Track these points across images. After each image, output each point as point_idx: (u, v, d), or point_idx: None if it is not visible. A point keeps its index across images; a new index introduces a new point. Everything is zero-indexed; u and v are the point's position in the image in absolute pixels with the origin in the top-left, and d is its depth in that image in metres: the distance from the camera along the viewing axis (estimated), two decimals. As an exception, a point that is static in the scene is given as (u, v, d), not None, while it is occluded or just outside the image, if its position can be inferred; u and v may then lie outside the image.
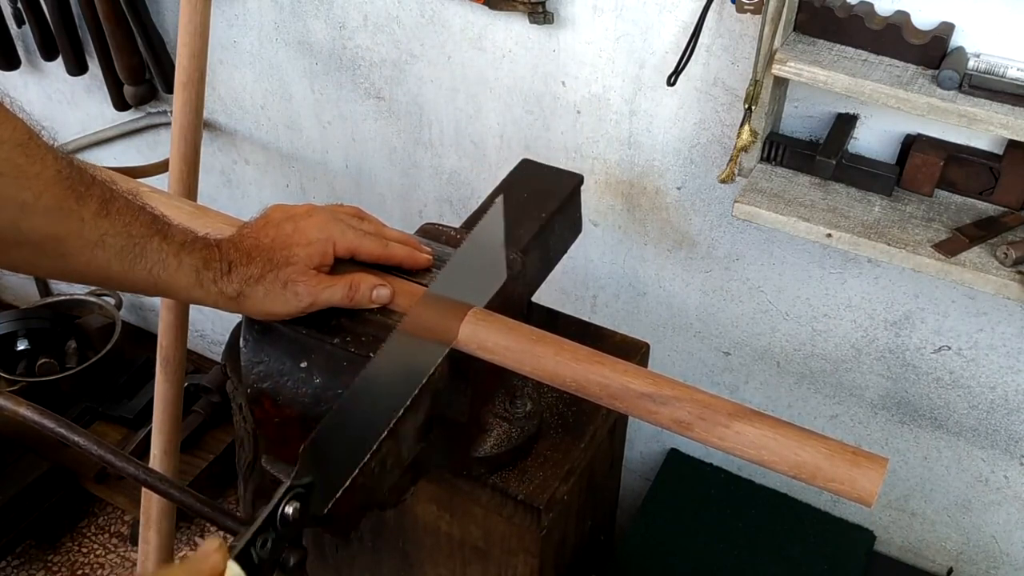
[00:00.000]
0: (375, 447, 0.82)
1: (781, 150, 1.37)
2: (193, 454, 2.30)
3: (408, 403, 0.85)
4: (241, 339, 0.99)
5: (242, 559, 0.67)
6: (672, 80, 1.38)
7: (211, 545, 0.67)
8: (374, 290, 0.93)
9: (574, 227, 1.27)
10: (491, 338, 0.87)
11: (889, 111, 1.26)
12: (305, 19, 1.74)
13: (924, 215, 1.31)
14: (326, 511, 0.76)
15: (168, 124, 1.85)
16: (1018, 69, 1.15)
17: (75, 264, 0.82)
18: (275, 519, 0.70)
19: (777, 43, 1.24)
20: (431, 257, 1.00)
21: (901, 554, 1.85)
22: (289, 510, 0.71)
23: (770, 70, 1.24)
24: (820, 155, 1.33)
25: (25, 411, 1.28)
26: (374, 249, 0.95)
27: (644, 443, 1.99)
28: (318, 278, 0.90)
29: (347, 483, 0.79)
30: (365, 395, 0.81)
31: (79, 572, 2.29)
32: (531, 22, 1.46)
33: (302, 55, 1.80)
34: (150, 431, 1.83)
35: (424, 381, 0.87)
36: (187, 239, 0.87)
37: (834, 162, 1.33)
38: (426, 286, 0.97)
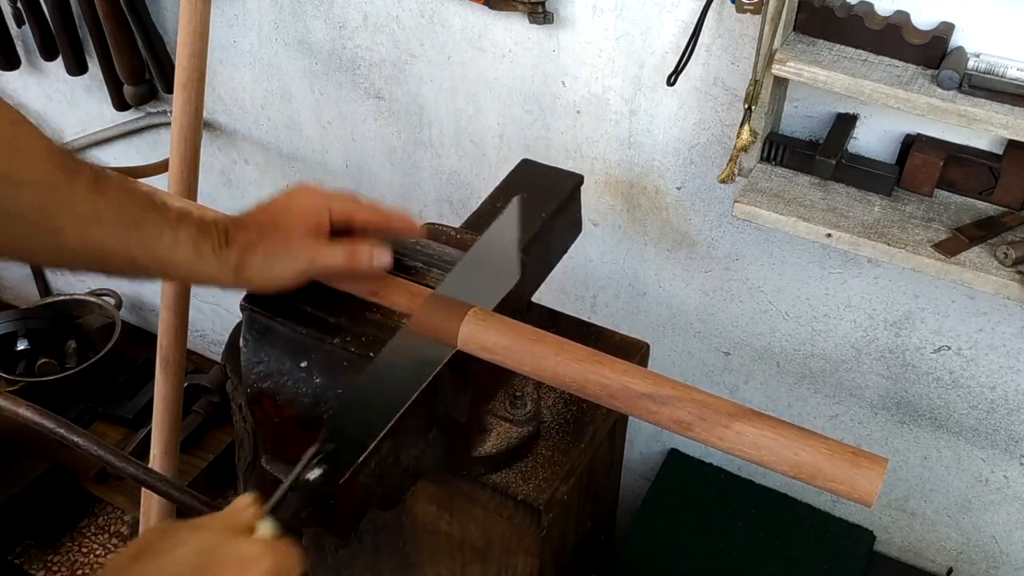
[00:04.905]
0: (386, 431, 0.84)
1: (781, 150, 1.37)
2: (193, 454, 2.30)
3: (415, 396, 0.85)
4: (241, 339, 0.99)
5: (273, 517, 0.73)
6: (672, 80, 1.38)
7: (244, 501, 0.73)
8: (374, 254, 0.92)
9: (574, 227, 1.27)
10: (491, 338, 0.87)
11: (889, 111, 1.26)
12: (305, 19, 1.74)
13: (924, 215, 1.31)
14: (341, 481, 0.80)
15: (168, 124, 1.85)
16: (1018, 69, 1.15)
17: (69, 241, 0.81)
18: (301, 482, 0.76)
19: (777, 43, 1.24)
20: (425, 229, 1.00)
21: (901, 554, 1.85)
22: (314, 474, 0.76)
23: (770, 70, 1.24)
24: (820, 155, 1.33)
25: (25, 411, 1.29)
26: (370, 214, 0.94)
27: (644, 443, 1.99)
28: (316, 242, 0.90)
29: (365, 454, 0.81)
30: (385, 373, 0.84)
31: (79, 572, 2.29)
32: (531, 22, 1.46)
33: (302, 55, 1.80)
34: (150, 431, 1.83)
35: (428, 380, 0.87)
36: (183, 213, 0.87)
37: (834, 162, 1.33)
38: (427, 286, 0.97)
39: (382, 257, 0.92)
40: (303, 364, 0.95)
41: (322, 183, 0.91)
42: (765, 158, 1.38)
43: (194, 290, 1.80)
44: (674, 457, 1.91)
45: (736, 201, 1.33)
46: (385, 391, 0.84)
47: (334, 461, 0.78)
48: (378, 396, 0.83)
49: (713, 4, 1.31)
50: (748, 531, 1.78)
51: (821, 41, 1.25)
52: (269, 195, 0.94)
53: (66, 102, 2.22)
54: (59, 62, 2.02)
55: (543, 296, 1.24)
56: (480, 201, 1.40)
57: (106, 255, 0.84)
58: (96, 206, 0.81)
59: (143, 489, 1.74)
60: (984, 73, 1.16)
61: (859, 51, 1.24)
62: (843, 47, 1.24)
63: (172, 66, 1.73)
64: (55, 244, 0.82)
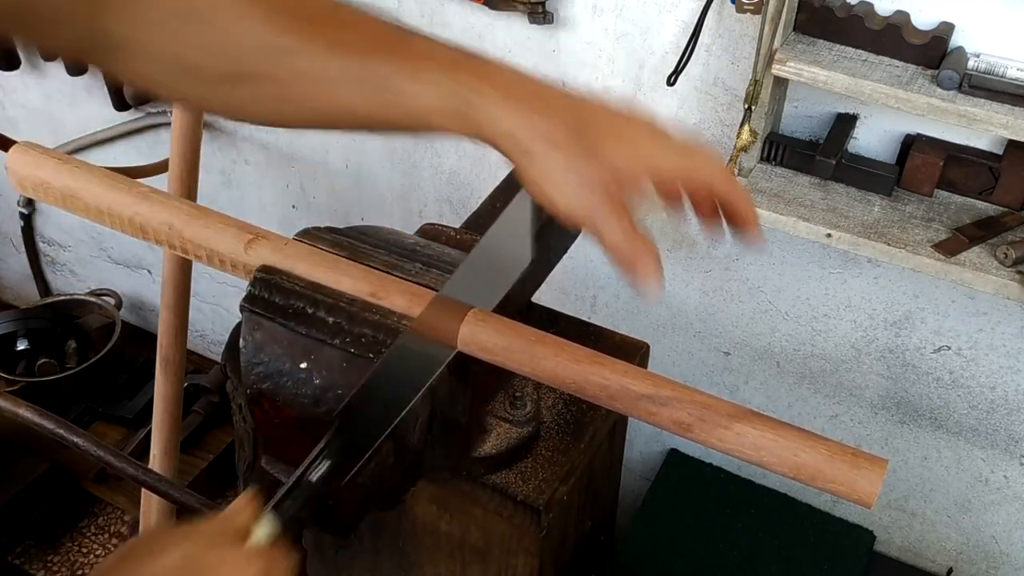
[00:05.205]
0: (389, 431, 0.82)
1: (781, 150, 1.37)
2: (193, 454, 2.30)
3: (420, 394, 0.83)
4: (241, 339, 0.99)
5: (273, 516, 0.71)
6: (672, 80, 1.38)
7: (243, 500, 0.70)
8: (650, 269, 0.68)
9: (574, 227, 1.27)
10: (491, 339, 0.87)
11: (889, 111, 1.26)
12: (305, 19, 1.74)
13: (924, 215, 1.31)
14: (344, 480, 0.78)
15: (168, 124, 1.85)
16: (1018, 69, 1.15)
17: (320, 106, 0.71)
18: (305, 481, 0.74)
19: (777, 43, 1.23)
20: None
21: (901, 554, 1.85)
22: (318, 472, 0.74)
23: (770, 70, 1.24)
24: (820, 155, 1.33)
25: (25, 411, 1.29)
26: (705, 192, 0.69)
27: (644, 443, 1.99)
28: (604, 196, 0.67)
29: (370, 451, 0.80)
30: (393, 370, 0.80)
31: (79, 572, 2.29)
32: (531, 22, 1.46)
33: (302, 55, 1.79)
34: (150, 431, 1.83)
35: (432, 379, 0.87)
36: (442, 60, 0.68)
37: (834, 162, 1.33)
38: (427, 287, 0.97)
39: (649, 269, 0.67)
40: (303, 365, 0.95)
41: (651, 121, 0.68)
42: (765, 158, 1.38)
43: (194, 290, 1.80)
44: (674, 457, 1.91)
45: (736, 201, 1.33)
46: (391, 389, 0.81)
47: (339, 458, 0.76)
48: (384, 394, 0.81)
49: (713, 4, 1.31)
50: (748, 531, 1.78)
51: (821, 41, 1.25)
52: (589, 93, 0.70)
53: (66, 102, 2.22)
54: (59, 62, 2.02)
55: (543, 296, 1.24)
56: (480, 201, 1.40)
57: (357, 119, 0.71)
58: (341, 66, 0.68)
59: (143, 489, 1.74)
60: (984, 73, 1.16)
61: (859, 51, 1.24)
62: (843, 47, 1.24)
63: (172, 66, 1.72)
64: (309, 109, 0.72)
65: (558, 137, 0.66)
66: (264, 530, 0.70)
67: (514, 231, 0.87)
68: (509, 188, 1.38)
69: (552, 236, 1.18)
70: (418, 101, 0.67)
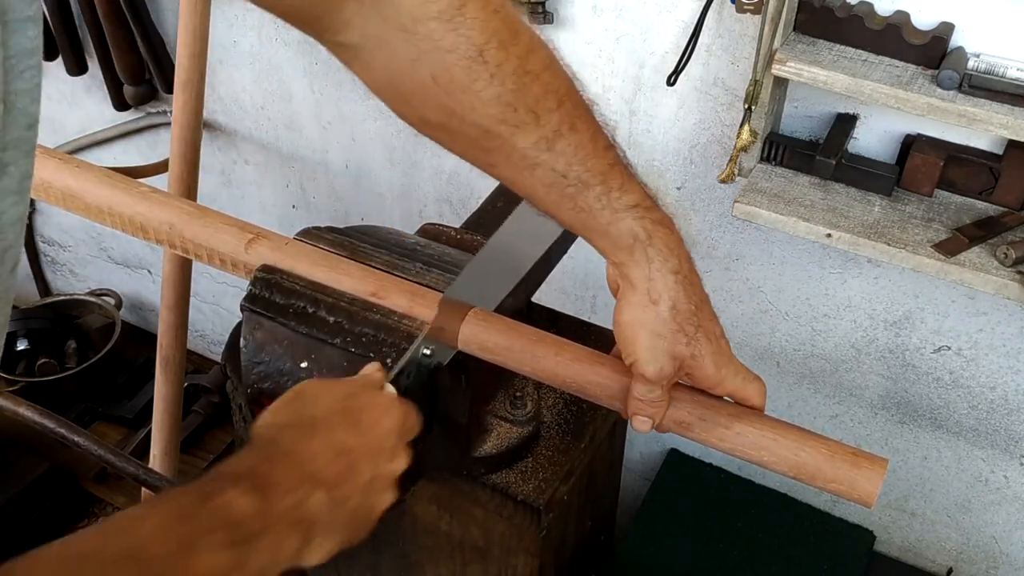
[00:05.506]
0: None
1: (781, 150, 1.37)
2: (193, 454, 2.30)
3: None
4: (241, 339, 0.99)
5: (395, 384, 0.82)
6: (672, 80, 1.38)
7: (373, 367, 0.83)
8: (642, 424, 0.81)
9: (574, 227, 1.27)
10: (491, 338, 0.87)
11: (889, 111, 1.26)
12: (305, 19, 1.74)
13: (924, 215, 1.31)
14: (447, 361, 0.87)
15: (168, 124, 1.85)
16: (1018, 69, 1.15)
17: (504, 177, 0.80)
18: (417, 356, 0.85)
19: (777, 43, 1.24)
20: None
21: (901, 554, 1.85)
22: (427, 350, 0.85)
23: (770, 70, 1.24)
24: (820, 155, 1.33)
25: (25, 411, 1.29)
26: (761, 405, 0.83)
27: (644, 443, 1.99)
28: (673, 378, 0.79)
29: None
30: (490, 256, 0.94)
31: (79, 572, 2.29)
32: (531, 22, 1.46)
33: (302, 55, 1.80)
34: (150, 431, 1.83)
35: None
36: (633, 203, 0.76)
37: (834, 162, 1.33)
38: (427, 287, 0.97)
39: (643, 429, 0.81)
40: (303, 364, 0.95)
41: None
42: (765, 158, 1.38)
43: (194, 290, 1.80)
44: (674, 457, 1.91)
45: (736, 201, 1.33)
46: (489, 274, 0.92)
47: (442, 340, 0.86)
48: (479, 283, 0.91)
49: (713, 4, 1.31)
50: (748, 531, 1.78)
51: (821, 41, 1.25)
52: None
53: (66, 102, 2.22)
54: (59, 62, 2.02)
55: (543, 296, 1.24)
56: (480, 201, 1.40)
57: (536, 202, 0.80)
58: (533, 162, 0.75)
59: (143, 489, 1.73)
60: (984, 73, 1.16)
61: (859, 51, 1.24)
62: (843, 47, 1.24)
63: (172, 66, 1.73)
64: (492, 172, 0.80)
65: (681, 310, 0.76)
66: (390, 391, 0.80)
67: (523, 233, 0.90)
68: (509, 188, 1.38)
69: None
70: (598, 225, 0.76)
